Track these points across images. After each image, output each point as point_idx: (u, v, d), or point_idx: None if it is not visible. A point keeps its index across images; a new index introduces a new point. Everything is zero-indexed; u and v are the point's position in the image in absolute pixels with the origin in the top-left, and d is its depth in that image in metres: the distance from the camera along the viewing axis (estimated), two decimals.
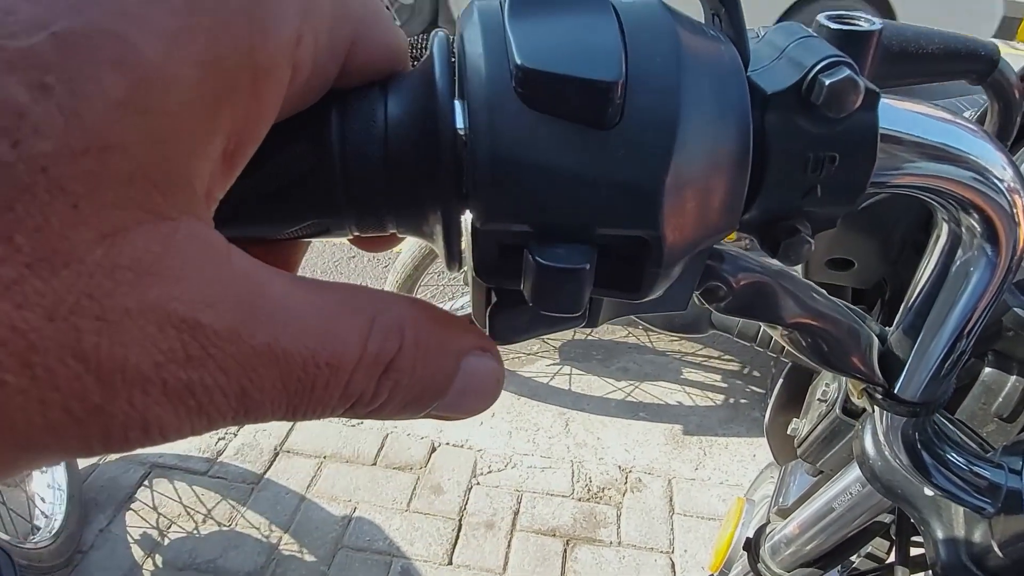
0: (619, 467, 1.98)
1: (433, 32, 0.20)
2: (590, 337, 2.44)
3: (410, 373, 0.17)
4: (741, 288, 0.26)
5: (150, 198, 0.12)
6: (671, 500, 1.89)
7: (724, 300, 0.26)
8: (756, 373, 2.35)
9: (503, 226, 0.18)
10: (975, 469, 0.39)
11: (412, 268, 2.00)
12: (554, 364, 2.31)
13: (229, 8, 0.13)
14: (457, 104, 0.18)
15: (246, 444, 1.90)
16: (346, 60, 0.18)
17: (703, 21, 0.21)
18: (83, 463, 1.75)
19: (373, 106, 0.19)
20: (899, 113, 0.23)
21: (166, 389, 0.13)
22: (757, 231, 0.22)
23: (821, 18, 0.24)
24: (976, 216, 0.26)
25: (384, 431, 1.99)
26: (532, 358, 2.32)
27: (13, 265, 0.11)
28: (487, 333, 0.22)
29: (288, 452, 1.90)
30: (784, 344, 0.31)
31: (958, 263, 0.28)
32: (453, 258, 0.21)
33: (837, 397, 0.52)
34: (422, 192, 0.19)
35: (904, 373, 0.33)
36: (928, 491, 0.43)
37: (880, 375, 0.34)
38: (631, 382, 2.28)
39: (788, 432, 0.60)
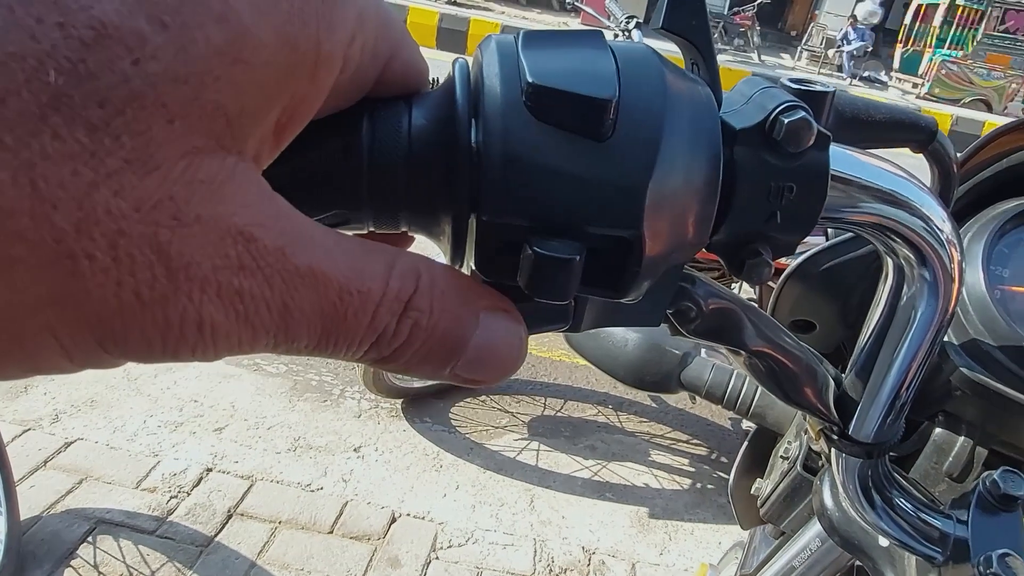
0: (583, 548, 1.94)
1: (455, 59, 0.23)
2: (559, 414, 2.44)
3: (428, 315, 0.19)
4: (710, 312, 0.29)
5: (225, 134, 0.15)
6: None
7: (694, 322, 0.29)
8: (724, 459, 2.35)
9: (508, 220, 0.20)
10: (925, 518, 0.41)
11: None
12: (522, 439, 2.29)
13: (306, 6, 0.16)
14: (473, 121, 0.21)
15: (199, 504, 1.83)
16: (382, 71, 0.21)
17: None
18: (26, 513, 1.67)
19: (399, 115, 0.22)
20: (852, 159, 0.26)
21: (220, 291, 0.15)
22: (724, 251, 0.25)
23: (784, 80, 0.28)
24: (917, 256, 0.29)
25: (344, 498, 1.93)
26: (500, 432, 2.30)
27: (116, 159, 0.13)
28: None
29: (242, 515, 1.83)
30: (746, 371, 0.33)
31: (903, 303, 0.31)
32: (458, 256, 0.23)
33: (799, 455, 0.54)
34: (436, 194, 0.22)
35: (857, 414, 0.36)
36: (883, 542, 0.45)
37: (836, 415, 0.36)
38: (598, 461, 2.26)
39: (752, 492, 0.62)
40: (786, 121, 0.23)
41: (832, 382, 0.37)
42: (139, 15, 0.13)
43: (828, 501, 0.46)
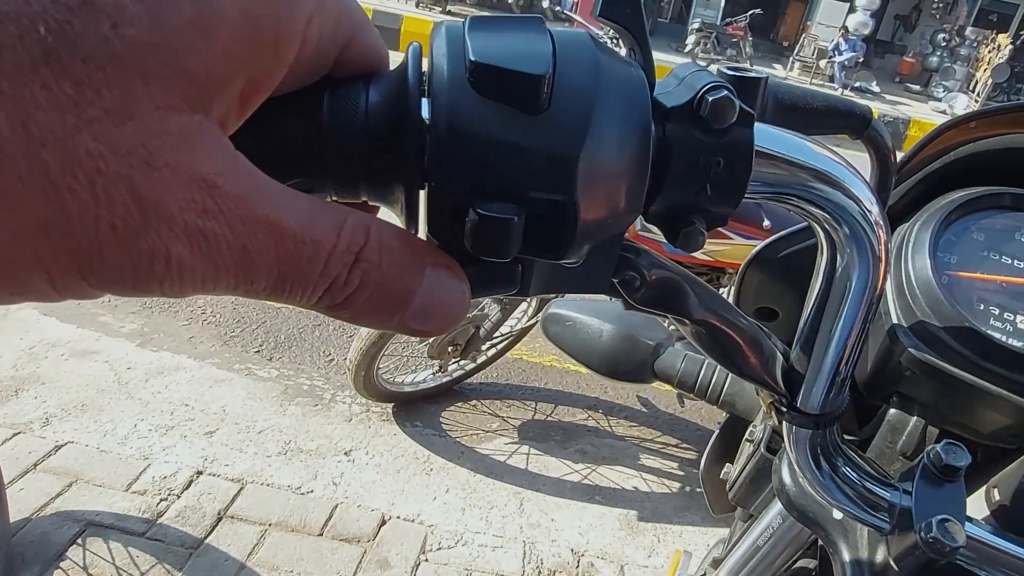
0: (572, 550, 1.95)
1: (409, 43, 0.26)
2: (549, 418, 2.45)
3: (377, 266, 0.21)
4: (654, 281, 0.31)
5: (193, 96, 0.17)
6: None
7: (639, 291, 0.31)
8: None
9: (454, 186, 0.22)
10: (873, 489, 0.43)
11: (377, 336, 2.02)
12: (512, 443, 2.30)
13: None
14: (424, 100, 0.23)
15: (189, 506, 1.84)
16: (341, 52, 0.23)
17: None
18: (15, 516, 1.68)
19: (358, 93, 0.24)
20: (778, 136, 0.28)
21: (186, 229, 0.17)
22: (660, 221, 0.27)
23: (720, 67, 0.30)
24: (847, 230, 0.31)
25: (334, 501, 1.94)
26: (490, 435, 2.31)
27: (96, 108, 0.15)
28: None
29: (232, 517, 1.84)
30: (693, 341, 0.35)
31: (837, 277, 0.33)
32: (412, 223, 0.25)
33: (763, 437, 0.56)
34: (391, 165, 0.24)
35: (803, 386, 0.38)
36: (837, 515, 0.47)
37: (783, 388, 0.38)
38: (588, 465, 2.27)
39: (721, 476, 0.63)
40: (711, 99, 0.25)
41: (780, 356, 0.39)
42: None
43: (786, 478, 0.48)
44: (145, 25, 0.16)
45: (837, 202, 0.30)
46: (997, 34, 11.82)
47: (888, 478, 0.46)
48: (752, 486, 0.59)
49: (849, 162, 0.30)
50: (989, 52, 11.38)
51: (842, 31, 11.53)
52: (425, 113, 0.23)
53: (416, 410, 2.36)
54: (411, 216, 0.25)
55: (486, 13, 0.25)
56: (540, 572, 1.86)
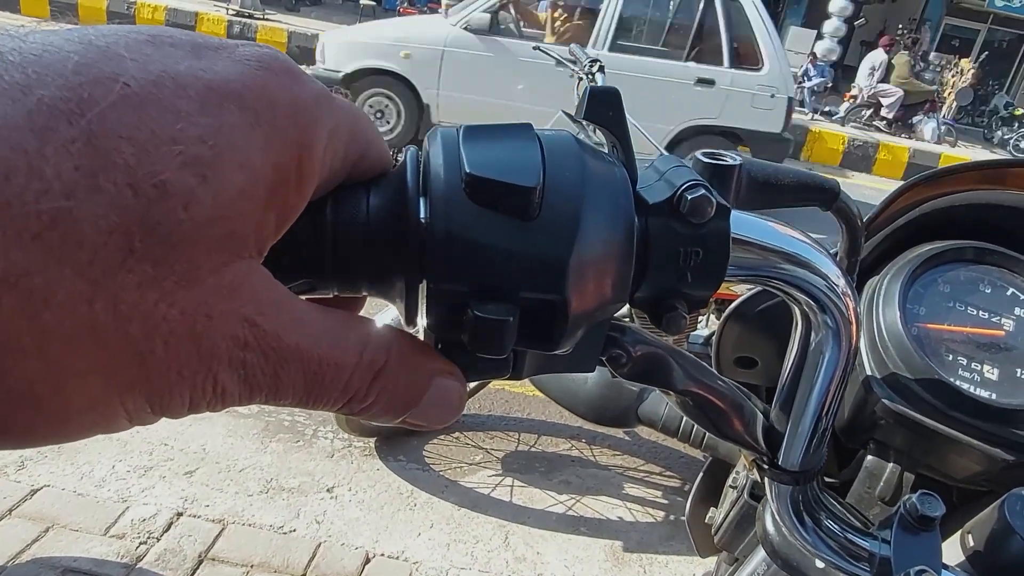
0: None
1: (406, 147, 0.27)
2: (533, 449, 2.45)
3: (394, 381, 0.24)
4: (639, 357, 0.32)
5: (240, 247, 0.20)
6: None
7: (625, 367, 0.32)
8: None
9: (452, 287, 0.24)
10: (853, 539, 0.44)
11: None
12: (496, 475, 2.30)
13: (289, 135, 0.21)
14: (421, 200, 0.25)
15: (169, 549, 1.81)
16: (352, 167, 0.25)
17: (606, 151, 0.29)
18: None
19: (359, 198, 0.25)
20: (753, 223, 0.30)
21: (230, 361, 0.20)
22: (645, 306, 0.29)
23: (698, 154, 0.32)
24: (817, 307, 0.33)
25: (318, 540, 1.92)
26: (474, 468, 2.30)
27: (171, 281, 0.18)
28: None
29: (214, 559, 1.81)
30: (678, 409, 0.37)
31: (812, 346, 0.35)
32: (412, 317, 0.26)
33: (746, 483, 0.58)
34: (391, 264, 0.25)
35: (784, 445, 0.40)
36: (820, 564, 0.48)
37: (764, 446, 0.40)
38: (573, 495, 2.27)
39: (706, 521, 0.65)
40: (690, 198, 0.27)
41: (760, 415, 0.40)
42: (187, 172, 0.18)
43: (769, 527, 0.50)
44: (208, 203, 0.18)
45: (808, 280, 0.31)
46: (960, 58, 12.21)
47: (868, 525, 0.47)
48: (737, 531, 0.60)
49: (816, 242, 0.32)
50: (952, 77, 11.75)
51: (811, 57, 11.84)
52: (423, 214, 0.24)
53: (399, 444, 2.34)
54: (410, 311, 0.26)
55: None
56: None
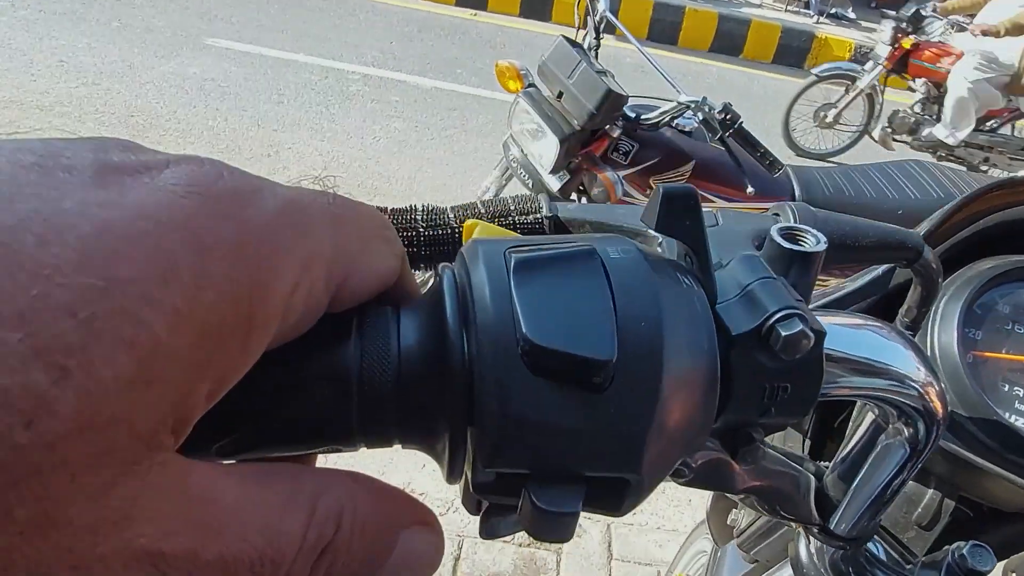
0: None
1: (441, 267, 0.22)
2: None
3: (345, 553, 0.18)
4: (700, 466, 0.29)
5: (136, 452, 0.14)
6: (609, 546, 1.92)
7: (687, 477, 0.29)
8: None
9: (506, 468, 0.20)
10: None
11: None
12: None
13: (232, 277, 0.15)
14: (464, 336, 0.20)
15: None
16: (337, 290, 0.20)
17: (676, 255, 0.24)
18: None
19: (388, 337, 0.21)
20: (844, 336, 0.26)
21: None
22: (719, 438, 0.25)
23: (774, 234, 0.27)
24: (895, 412, 0.29)
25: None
26: None
27: (7, 535, 0.13)
28: (478, 531, 0.24)
29: None
30: (741, 504, 0.34)
31: (882, 442, 0.32)
32: (455, 474, 0.22)
33: None
34: (430, 415, 0.21)
35: (838, 513, 0.37)
36: None
37: (816, 514, 0.37)
38: None
39: (728, 522, 0.64)
40: (784, 334, 0.22)
41: (813, 480, 0.38)
42: (35, 367, 0.12)
43: (804, 557, 0.48)
44: (72, 408, 0.13)
45: (900, 392, 0.28)
46: None
47: (907, 554, 0.45)
48: (761, 538, 0.59)
49: (914, 343, 0.28)
50: None
51: None
52: (466, 352, 0.20)
53: None
54: (453, 466, 0.22)
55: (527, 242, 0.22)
56: None
